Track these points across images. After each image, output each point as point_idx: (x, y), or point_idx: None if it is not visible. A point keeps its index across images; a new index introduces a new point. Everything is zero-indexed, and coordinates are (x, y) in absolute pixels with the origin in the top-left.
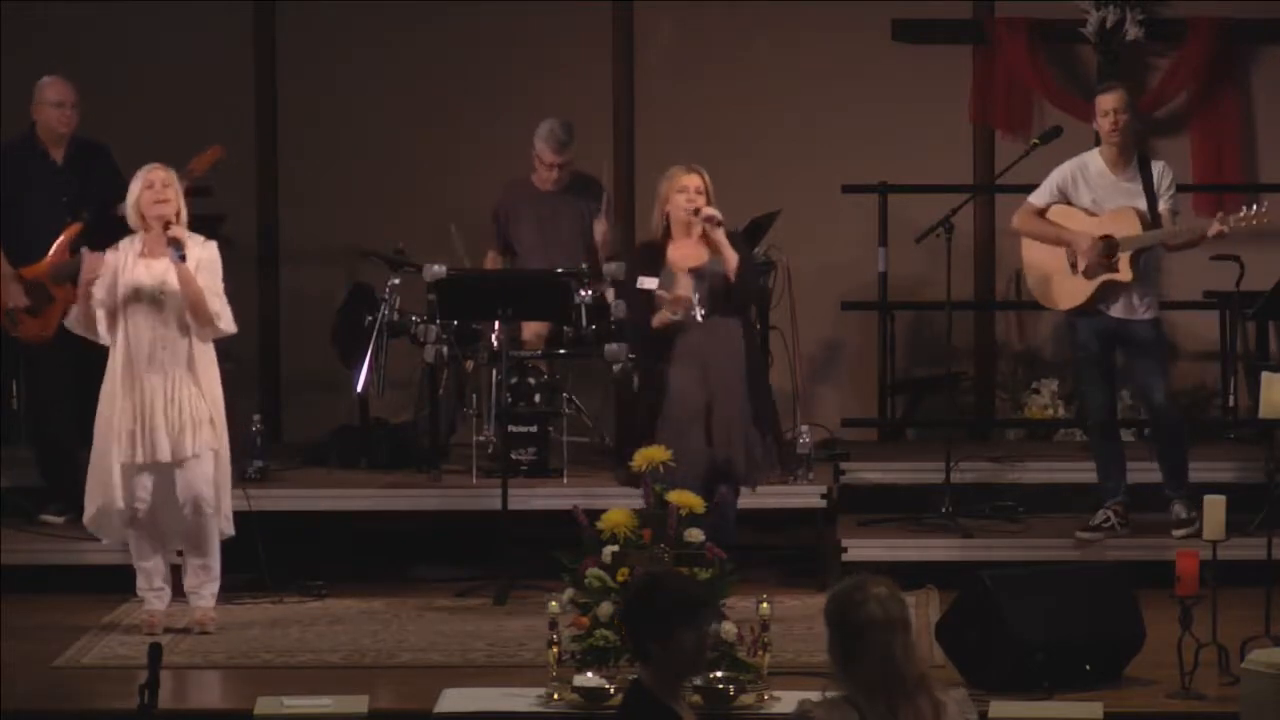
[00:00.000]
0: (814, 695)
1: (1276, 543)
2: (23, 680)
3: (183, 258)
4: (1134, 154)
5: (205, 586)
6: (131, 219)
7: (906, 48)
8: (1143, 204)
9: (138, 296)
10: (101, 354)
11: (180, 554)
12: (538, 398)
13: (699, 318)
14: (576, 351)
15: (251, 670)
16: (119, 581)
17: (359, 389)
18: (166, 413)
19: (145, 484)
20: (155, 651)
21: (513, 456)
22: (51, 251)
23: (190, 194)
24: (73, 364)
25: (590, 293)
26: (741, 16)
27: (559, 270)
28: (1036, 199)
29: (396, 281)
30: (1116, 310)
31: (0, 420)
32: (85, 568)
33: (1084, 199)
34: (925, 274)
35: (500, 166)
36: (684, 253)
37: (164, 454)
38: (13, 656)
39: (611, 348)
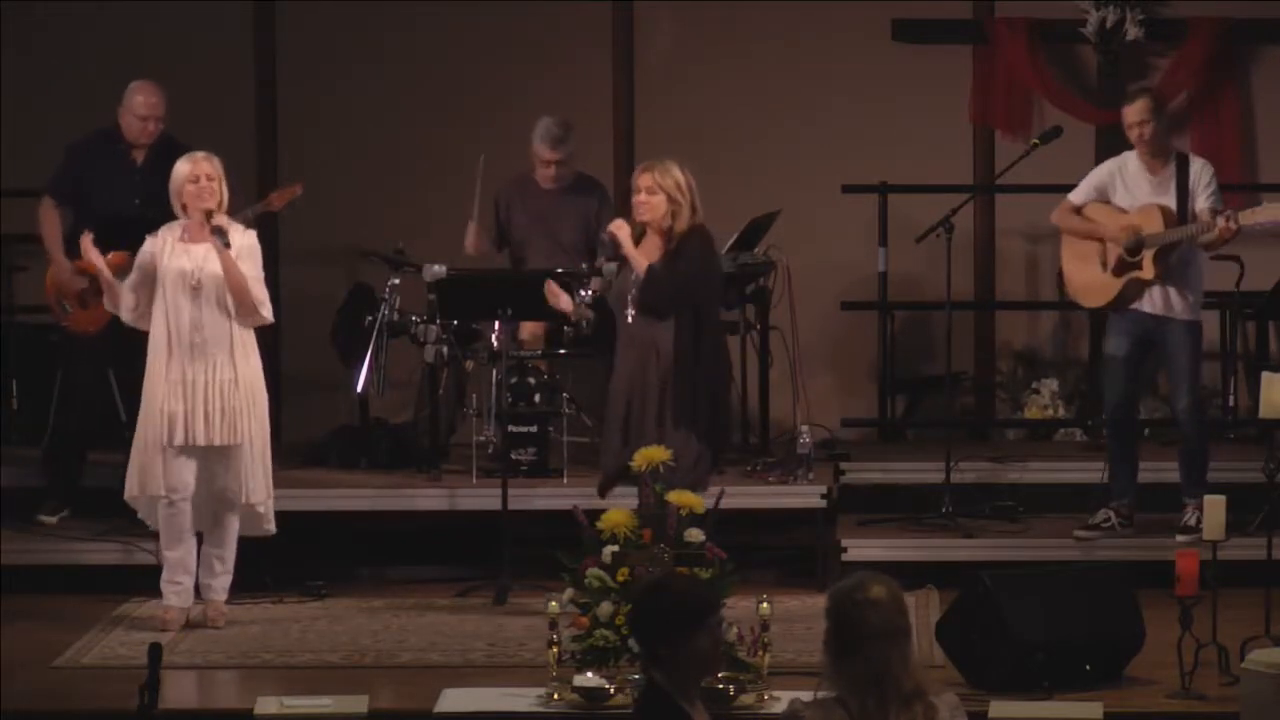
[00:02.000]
0: (805, 695)
1: (1276, 543)
2: (23, 680)
3: (227, 245)
4: (1170, 154)
5: (218, 579)
6: (174, 203)
7: (906, 48)
8: (1172, 202)
9: (178, 282)
10: (141, 355)
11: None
12: (538, 398)
13: (630, 318)
14: (576, 351)
15: (251, 670)
16: (119, 581)
17: (359, 389)
18: (207, 397)
19: (183, 468)
20: (155, 651)
21: (513, 456)
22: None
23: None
24: (111, 364)
25: (590, 293)
26: (741, 16)
27: (559, 270)
28: (1075, 196)
29: (396, 281)
30: (1152, 307)
31: (0, 420)
32: (85, 568)
33: (1122, 198)
34: (925, 274)
35: (500, 166)
36: (642, 249)
37: (203, 438)
38: (13, 656)
39: None
